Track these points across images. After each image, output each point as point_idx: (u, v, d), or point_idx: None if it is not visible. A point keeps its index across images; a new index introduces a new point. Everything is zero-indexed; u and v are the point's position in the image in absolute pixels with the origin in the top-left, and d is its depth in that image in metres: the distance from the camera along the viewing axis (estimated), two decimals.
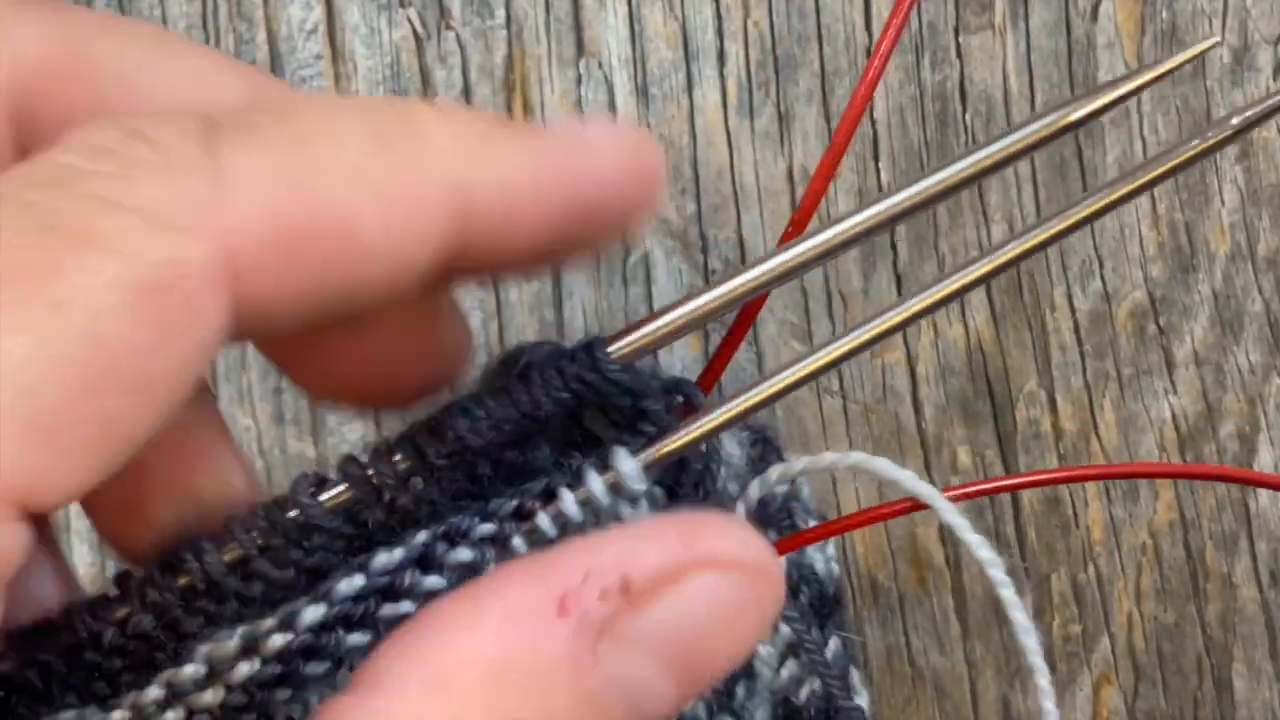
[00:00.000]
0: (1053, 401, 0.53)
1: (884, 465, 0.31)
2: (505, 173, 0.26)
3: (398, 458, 0.31)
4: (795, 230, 0.31)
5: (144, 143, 0.24)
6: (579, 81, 0.53)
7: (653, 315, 0.30)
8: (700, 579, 0.25)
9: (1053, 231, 0.27)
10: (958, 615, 0.52)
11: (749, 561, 0.25)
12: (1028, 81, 0.52)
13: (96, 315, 0.22)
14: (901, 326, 0.28)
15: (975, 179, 0.29)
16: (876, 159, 0.53)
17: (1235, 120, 0.27)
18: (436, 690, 0.24)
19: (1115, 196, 0.27)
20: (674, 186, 0.53)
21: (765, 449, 0.45)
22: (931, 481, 0.52)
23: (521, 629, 0.24)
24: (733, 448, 0.40)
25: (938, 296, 0.28)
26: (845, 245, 0.29)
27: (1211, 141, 0.27)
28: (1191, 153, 0.27)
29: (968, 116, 0.52)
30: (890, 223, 0.29)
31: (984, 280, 0.28)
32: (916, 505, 0.33)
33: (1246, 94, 0.52)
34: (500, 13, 0.53)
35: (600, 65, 0.53)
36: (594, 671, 0.24)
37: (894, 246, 0.53)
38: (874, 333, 0.28)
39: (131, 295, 0.23)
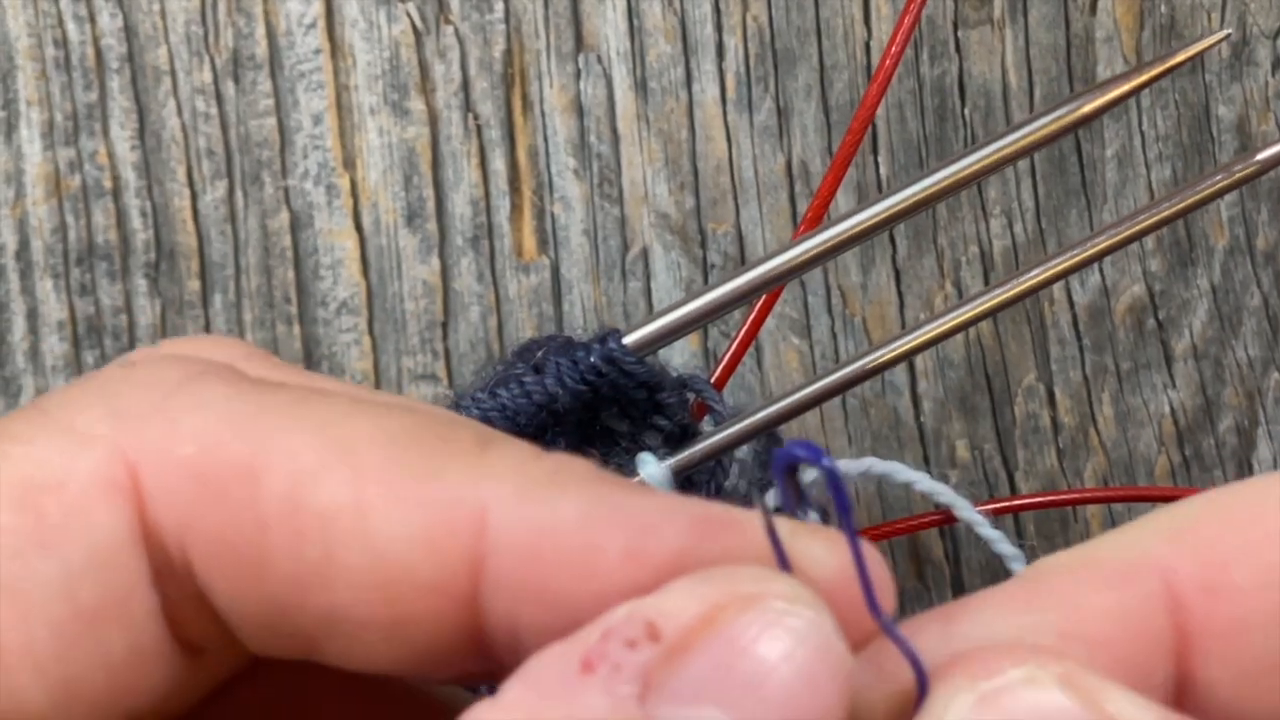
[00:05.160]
0: (1051, 395, 0.53)
1: (898, 469, 0.31)
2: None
3: None
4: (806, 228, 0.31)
5: (126, 367, 0.25)
6: (578, 76, 0.53)
7: (667, 309, 0.30)
8: (736, 618, 0.22)
9: (1070, 263, 0.27)
10: None
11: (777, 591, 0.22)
12: (1026, 76, 0.52)
13: None
14: (910, 354, 0.29)
15: (985, 174, 0.29)
16: (875, 153, 0.53)
17: (1261, 155, 0.27)
18: None
19: (1135, 230, 0.27)
20: (673, 181, 0.53)
21: (769, 442, 0.45)
22: (929, 476, 0.52)
23: (544, 695, 0.21)
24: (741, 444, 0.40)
25: (946, 327, 0.28)
26: (853, 241, 0.29)
27: (1238, 176, 0.27)
28: (1210, 190, 0.27)
29: (966, 111, 0.52)
30: (896, 219, 0.29)
31: (993, 312, 0.28)
32: (942, 519, 0.33)
33: (1245, 88, 0.53)
34: (499, 7, 0.53)
35: (599, 59, 0.53)
36: None
37: (892, 241, 0.53)
38: (897, 352, 0.28)
39: (7, 489, 0.23)
